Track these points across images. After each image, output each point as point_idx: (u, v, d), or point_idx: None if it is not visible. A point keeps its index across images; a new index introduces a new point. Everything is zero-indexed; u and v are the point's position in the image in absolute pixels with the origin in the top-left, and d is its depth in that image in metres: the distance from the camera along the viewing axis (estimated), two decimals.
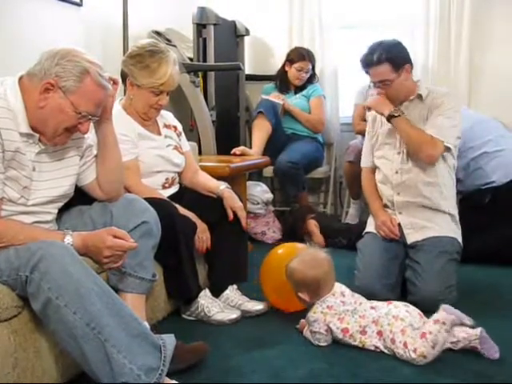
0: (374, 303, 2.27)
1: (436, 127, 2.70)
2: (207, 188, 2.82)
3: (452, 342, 2.12)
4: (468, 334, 2.11)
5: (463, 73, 4.36)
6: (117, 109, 2.67)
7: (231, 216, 2.69)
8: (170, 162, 2.74)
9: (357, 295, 2.32)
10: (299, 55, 4.40)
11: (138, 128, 2.65)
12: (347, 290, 2.33)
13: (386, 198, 2.88)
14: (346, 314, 2.23)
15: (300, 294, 2.32)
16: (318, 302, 2.27)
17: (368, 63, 2.76)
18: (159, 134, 2.74)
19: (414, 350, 2.05)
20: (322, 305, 2.26)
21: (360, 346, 2.20)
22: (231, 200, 2.72)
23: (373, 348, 2.18)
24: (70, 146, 2.04)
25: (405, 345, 2.08)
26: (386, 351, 2.15)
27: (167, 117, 2.87)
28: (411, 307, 2.22)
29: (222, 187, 2.79)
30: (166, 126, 2.81)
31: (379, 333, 2.16)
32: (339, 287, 2.32)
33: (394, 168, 2.82)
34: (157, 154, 2.68)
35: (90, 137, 2.13)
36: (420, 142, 2.70)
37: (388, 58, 2.70)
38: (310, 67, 4.41)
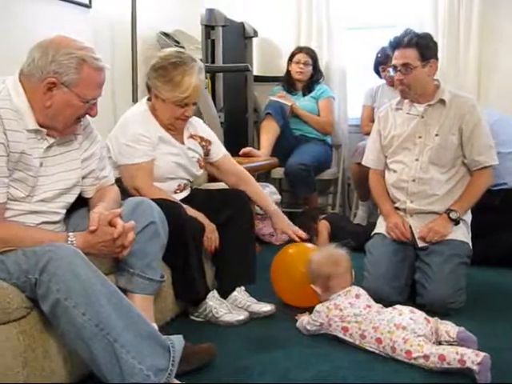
0: (382, 309, 2.26)
1: (482, 152, 2.74)
2: (258, 203, 2.88)
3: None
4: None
5: (472, 71, 4.34)
6: (143, 108, 2.66)
7: (295, 238, 2.81)
8: (188, 172, 2.74)
9: (372, 302, 2.31)
10: (295, 50, 4.46)
11: (160, 131, 2.64)
12: (363, 295, 2.34)
13: (397, 203, 2.86)
14: (349, 315, 2.24)
15: (313, 286, 2.40)
16: (330, 297, 2.33)
17: (397, 43, 2.74)
18: (182, 143, 2.73)
19: (425, 357, 2.00)
20: (330, 301, 2.31)
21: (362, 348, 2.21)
22: (281, 224, 2.86)
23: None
24: (73, 139, 2.05)
25: (408, 353, 2.05)
26: (385, 356, 2.14)
27: (196, 125, 2.83)
28: (418, 313, 2.17)
29: (273, 208, 2.90)
30: (192, 137, 2.78)
31: (378, 340, 2.15)
32: (356, 290, 2.35)
33: (411, 175, 2.79)
34: (174, 161, 2.67)
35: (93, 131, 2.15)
36: (485, 189, 2.79)
37: (418, 44, 2.70)
38: (310, 60, 4.41)
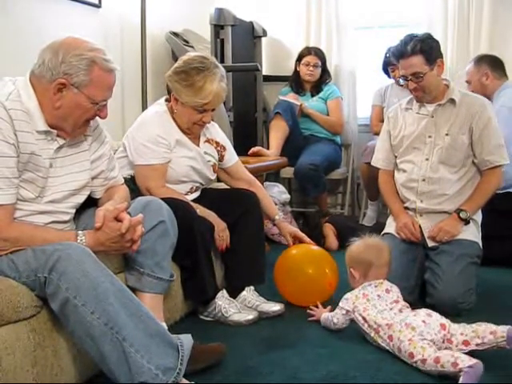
0: (406, 308, 2.26)
1: (492, 152, 2.73)
2: (265, 210, 2.87)
3: (477, 344, 2.04)
4: (495, 335, 2.02)
5: None
6: (162, 109, 2.67)
7: (291, 243, 2.86)
8: (202, 176, 2.75)
9: (401, 303, 2.28)
10: (304, 51, 4.45)
11: (178, 133, 2.64)
12: (395, 292, 2.33)
13: (407, 202, 2.85)
14: (373, 308, 2.24)
15: (352, 270, 2.41)
16: (361, 286, 2.34)
17: (401, 54, 2.70)
18: (198, 146, 2.73)
19: (423, 361, 1.99)
20: (360, 290, 2.33)
21: (374, 343, 2.22)
22: (289, 228, 2.92)
23: (383, 346, 2.19)
24: (82, 140, 2.05)
25: (410, 355, 2.03)
26: (395, 357, 2.13)
27: (212, 130, 2.83)
28: (434, 317, 2.12)
29: (278, 217, 2.92)
30: (208, 141, 2.79)
31: (390, 337, 2.14)
32: (388, 285, 2.35)
33: (421, 175, 2.78)
34: (189, 165, 2.67)
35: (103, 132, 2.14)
36: (495, 189, 2.78)
37: (422, 50, 2.66)
38: (319, 62, 4.41)
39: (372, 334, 2.21)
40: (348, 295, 2.35)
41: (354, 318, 2.30)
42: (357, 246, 2.46)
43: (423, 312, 2.16)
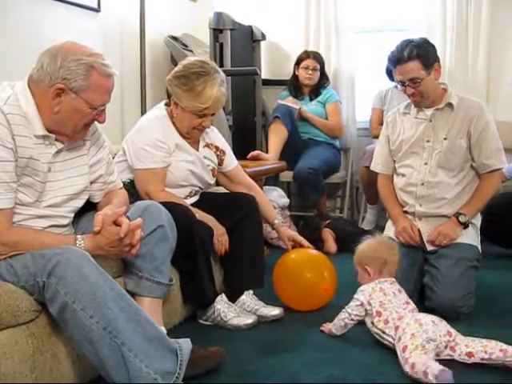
0: (415, 311, 2.27)
1: (491, 156, 2.72)
2: (264, 214, 2.88)
3: (482, 358, 2.03)
4: (505, 353, 2.00)
5: (481, 76, 4.33)
6: (161, 113, 2.67)
7: (290, 247, 2.86)
8: (201, 180, 2.75)
9: (412, 305, 2.30)
10: (303, 54, 4.46)
11: (177, 138, 2.65)
12: (404, 294, 2.35)
13: (406, 206, 2.85)
14: (389, 303, 2.25)
15: (367, 267, 2.40)
16: (377, 280, 2.35)
17: (398, 60, 2.70)
18: (197, 150, 2.73)
19: (404, 360, 2.00)
20: (377, 284, 2.33)
21: (378, 336, 2.24)
22: (288, 232, 2.93)
23: (387, 342, 2.20)
24: (81, 144, 2.05)
25: (404, 348, 2.04)
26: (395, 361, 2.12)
27: (211, 134, 2.83)
28: (443, 323, 2.14)
29: (277, 221, 2.93)
30: (208, 146, 2.79)
31: (396, 328, 2.15)
32: (398, 286, 2.37)
33: (419, 179, 2.78)
34: (188, 169, 2.68)
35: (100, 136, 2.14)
36: (492, 192, 2.78)
37: (419, 55, 2.66)
38: (318, 66, 4.41)
39: (380, 326, 2.21)
40: (364, 287, 2.34)
41: (366, 310, 2.29)
42: (368, 244, 2.47)
43: (434, 315, 2.18)
